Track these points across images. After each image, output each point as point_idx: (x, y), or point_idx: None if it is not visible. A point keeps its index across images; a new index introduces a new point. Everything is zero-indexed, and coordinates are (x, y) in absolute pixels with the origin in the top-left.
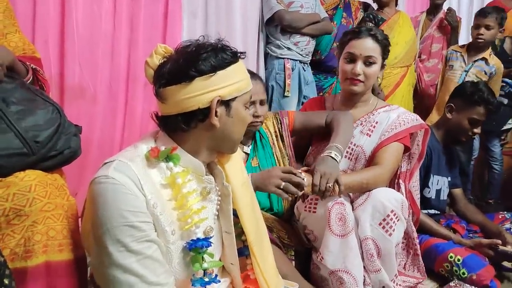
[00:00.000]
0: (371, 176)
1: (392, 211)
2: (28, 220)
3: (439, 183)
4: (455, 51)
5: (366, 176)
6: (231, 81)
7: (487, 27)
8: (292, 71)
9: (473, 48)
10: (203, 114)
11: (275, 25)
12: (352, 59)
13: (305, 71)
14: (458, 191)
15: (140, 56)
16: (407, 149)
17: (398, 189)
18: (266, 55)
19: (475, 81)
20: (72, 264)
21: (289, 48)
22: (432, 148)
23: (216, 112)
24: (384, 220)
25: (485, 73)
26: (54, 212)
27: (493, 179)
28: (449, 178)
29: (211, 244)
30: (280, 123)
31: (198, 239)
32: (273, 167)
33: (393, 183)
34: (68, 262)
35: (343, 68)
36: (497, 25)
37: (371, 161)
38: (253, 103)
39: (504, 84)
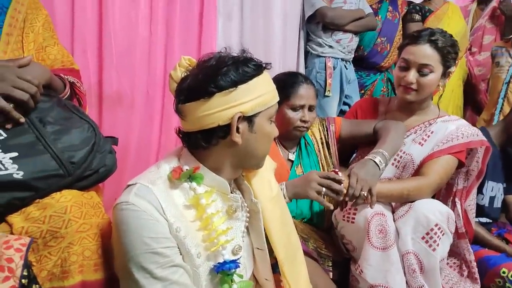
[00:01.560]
0: (414, 186)
1: (436, 225)
2: (64, 241)
3: (494, 190)
4: (500, 47)
5: (408, 185)
6: (254, 96)
7: None
8: (334, 69)
9: None
10: (224, 131)
11: (316, 23)
12: (406, 66)
13: (347, 69)
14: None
15: (176, 61)
16: (461, 165)
17: (454, 207)
18: (307, 53)
19: None
20: (106, 282)
21: (330, 46)
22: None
23: (237, 128)
24: (427, 234)
25: None
26: (90, 232)
27: None
28: (505, 185)
29: (239, 265)
30: (326, 130)
31: (225, 261)
32: (310, 172)
33: (448, 200)
34: (103, 281)
35: (396, 74)
36: None
37: (418, 170)
38: (302, 107)
39: None
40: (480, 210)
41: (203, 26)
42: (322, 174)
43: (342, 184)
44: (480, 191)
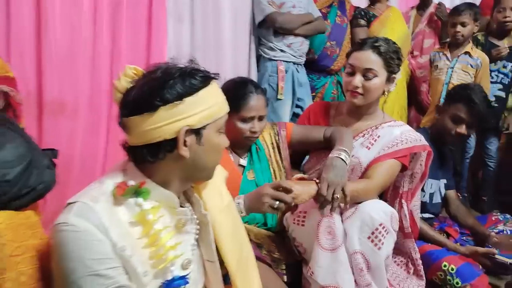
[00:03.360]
0: (362, 188)
1: (380, 224)
2: None
3: (433, 187)
4: (437, 52)
5: (357, 187)
6: (201, 108)
7: (463, 24)
8: (286, 73)
9: (454, 45)
10: (170, 145)
11: (267, 27)
12: (352, 71)
13: (298, 72)
14: (451, 193)
15: (123, 65)
16: (404, 168)
17: (401, 208)
18: (259, 57)
19: (465, 80)
20: None
21: (282, 50)
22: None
23: (185, 141)
24: (372, 233)
25: (471, 66)
26: (25, 256)
27: (488, 177)
28: (445, 181)
29: (188, 281)
30: (278, 135)
31: (174, 278)
32: (262, 186)
33: (395, 202)
34: None
35: (344, 79)
36: (472, 21)
37: (365, 173)
38: (252, 118)
39: (502, 75)
40: (423, 206)
41: (152, 28)
42: (273, 185)
43: (295, 190)
44: (421, 189)
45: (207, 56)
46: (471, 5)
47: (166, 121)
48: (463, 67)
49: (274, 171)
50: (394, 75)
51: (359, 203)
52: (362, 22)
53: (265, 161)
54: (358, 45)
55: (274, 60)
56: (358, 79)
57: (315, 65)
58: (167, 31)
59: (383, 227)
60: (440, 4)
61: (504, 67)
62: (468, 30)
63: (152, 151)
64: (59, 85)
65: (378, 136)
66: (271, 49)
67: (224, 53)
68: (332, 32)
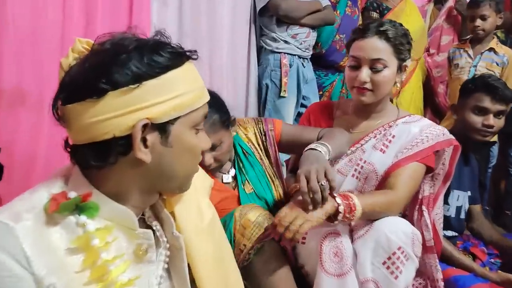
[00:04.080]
0: (384, 202)
1: (399, 248)
2: None
3: (460, 199)
4: (457, 48)
5: (379, 200)
6: (168, 96)
7: (483, 17)
8: (290, 67)
9: (476, 41)
10: (123, 145)
11: (269, 15)
12: (357, 64)
13: (304, 67)
14: (477, 208)
15: None
16: (429, 170)
17: (421, 217)
18: (261, 49)
19: None
20: None
21: (286, 41)
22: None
23: (145, 141)
24: (389, 258)
25: (497, 64)
26: None
27: (511, 188)
28: (469, 193)
29: None
30: (264, 134)
31: None
32: None
33: (414, 209)
34: None
35: (347, 75)
36: (493, 13)
37: (384, 182)
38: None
39: None
40: (446, 222)
41: (134, 10)
42: None
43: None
44: (445, 201)
45: (198, 46)
46: None
47: (116, 112)
48: (488, 65)
49: (270, 177)
50: (405, 63)
51: (374, 219)
52: (374, 14)
53: (258, 166)
54: (360, 31)
55: (277, 52)
56: (365, 73)
57: (322, 61)
58: (151, 15)
59: (402, 252)
60: None
61: None
62: (489, 23)
63: (99, 152)
64: (19, 72)
65: (393, 136)
66: (274, 40)
67: (219, 44)
68: (342, 24)
